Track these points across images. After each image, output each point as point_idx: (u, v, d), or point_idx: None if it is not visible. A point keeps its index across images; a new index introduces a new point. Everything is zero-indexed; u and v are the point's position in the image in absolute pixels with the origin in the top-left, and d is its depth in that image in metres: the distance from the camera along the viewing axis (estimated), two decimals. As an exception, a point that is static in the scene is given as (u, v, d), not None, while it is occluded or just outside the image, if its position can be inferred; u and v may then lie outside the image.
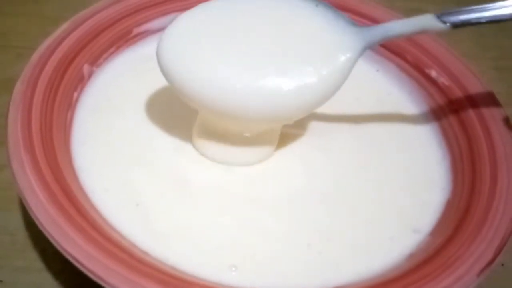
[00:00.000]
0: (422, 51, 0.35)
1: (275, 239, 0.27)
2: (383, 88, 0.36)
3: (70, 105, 0.30)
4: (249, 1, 0.28)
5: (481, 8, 0.27)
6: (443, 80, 0.34)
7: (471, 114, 0.32)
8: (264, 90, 0.26)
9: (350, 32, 0.27)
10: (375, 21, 0.35)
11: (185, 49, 0.26)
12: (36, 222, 0.24)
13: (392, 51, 0.36)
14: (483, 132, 0.31)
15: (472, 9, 0.27)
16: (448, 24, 0.27)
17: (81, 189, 0.27)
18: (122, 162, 0.29)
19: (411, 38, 0.35)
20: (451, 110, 0.33)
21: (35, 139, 0.27)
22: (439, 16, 0.27)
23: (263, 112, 0.26)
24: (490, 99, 0.32)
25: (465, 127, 0.31)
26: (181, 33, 0.27)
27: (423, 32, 0.28)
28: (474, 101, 0.32)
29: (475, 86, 0.33)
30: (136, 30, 0.35)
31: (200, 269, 0.25)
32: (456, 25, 0.27)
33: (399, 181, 0.30)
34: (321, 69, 0.26)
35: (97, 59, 0.33)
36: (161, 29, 0.36)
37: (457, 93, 0.33)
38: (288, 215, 0.28)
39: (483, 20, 0.27)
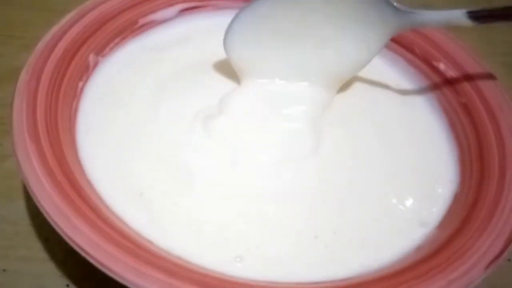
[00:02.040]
0: (431, 44, 0.35)
1: (281, 231, 0.27)
2: (391, 82, 0.35)
3: (75, 95, 0.30)
4: None
5: (507, 8, 0.29)
6: (451, 73, 0.34)
7: (479, 106, 0.31)
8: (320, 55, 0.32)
9: (392, 11, 0.30)
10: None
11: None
12: (41, 210, 0.24)
13: (400, 44, 0.36)
14: (492, 125, 0.30)
15: (500, 8, 0.29)
16: (476, 22, 0.29)
17: (85, 178, 0.27)
18: (127, 152, 0.29)
19: (419, 31, 0.35)
20: (459, 103, 0.33)
21: (40, 129, 0.27)
22: (469, 13, 0.29)
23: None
24: (498, 92, 0.32)
25: (473, 119, 0.31)
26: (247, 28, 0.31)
27: (453, 25, 0.30)
28: (482, 94, 0.32)
29: (484, 79, 0.33)
30: (142, 21, 0.35)
31: (204, 259, 0.24)
32: (484, 22, 0.29)
33: (406, 174, 0.30)
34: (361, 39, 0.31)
35: (103, 49, 0.33)
36: (167, 19, 0.36)
37: (466, 86, 0.33)
38: (295, 207, 0.28)
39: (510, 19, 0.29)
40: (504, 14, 0.29)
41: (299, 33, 0.31)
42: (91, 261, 0.22)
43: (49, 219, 0.23)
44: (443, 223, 0.28)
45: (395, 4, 0.30)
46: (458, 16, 0.29)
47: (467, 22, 0.29)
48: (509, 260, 0.30)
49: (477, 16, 0.29)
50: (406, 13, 0.30)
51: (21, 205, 0.30)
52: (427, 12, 0.30)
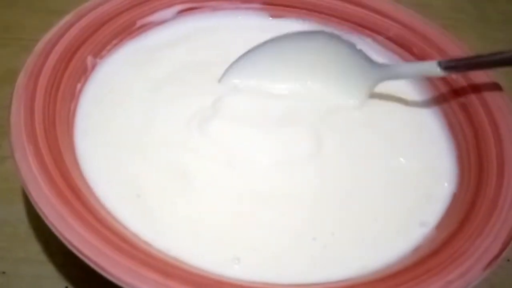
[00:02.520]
0: (429, 44, 0.35)
1: (279, 232, 0.27)
2: (389, 81, 0.35)
3: (73, 97, 0.30)
4: (296, 41, 0.33)
5: (478, 56, 0.31)
6: (449, 73, 0.34)
7: (477, 106, 0.31)
8: None
9: (370, 67, 0.33)
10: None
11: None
12: (39, 212, 0.24)
13: (398, 43, 0.36)
14: (490, 124, 0.30)
15: (470, 57, 0.31)
16: (447, 72, 0.31)
17: (83, 180, 0.27)
18: (125, 154, 0.29)
19: (417, 31, 0.36)
20: (457, 103, 0.32)
21: (38, 130, 0.27)
22: (441, 64, 0.31)
23: None
24: (497, 92, 0.32)
25: (471, 119, 0.31)
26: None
27: (425, 75, 0.33)
28: (481, 94, 0.32)
29: (482, 79, 0.33)
30: (139, 22, 0.35)
31: (202, 261, 0.24)
32: (457, 71, 0.32)
33: (404, 174, 0.30)
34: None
35: (101, 51, 0.33)
36: (165, 21, 0.36)
37: (464, 85, 0.33)
38: (293, 208, 0.28)
39: (481, 67, 0.31)
40: (475, 63, 0.31)
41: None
42: (89, 263, 0.22)
43: (46, 221, 0.23)
44: (441, 224, 0.28)
45: (372, 60, 0.33)
46: (431, 67, 0.31)
47: (439, 72, 0.31)
48: (508, 260, 0.30)
49: (448, 66, 0.31)
50: (383, 67, 0.33)
51: (20, 207, 0.30)
52: (402, 65, 0.34)
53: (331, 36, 0.33)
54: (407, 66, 0.33)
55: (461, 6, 0.48)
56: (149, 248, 0.24)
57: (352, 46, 0.33)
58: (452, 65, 0.31)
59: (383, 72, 0.33)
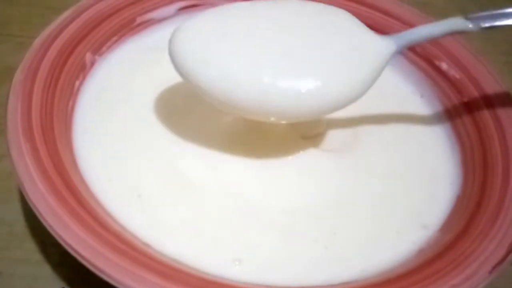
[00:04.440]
0: (433, 43, 0.34)
1: (280, 233, 0.26)
2: (391, 82, 0.35)
3: (71, 94, 0.30)
4: (273, 5, 0.28)
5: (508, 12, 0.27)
6: (453, 72, 0.33)
7: (482, 107, 0.31)
8: (282, 89, 0.25)
9: (378, 38, 0.26)
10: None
11: (198, 43, 0.26)
12: (35, 212, 0.23)
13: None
14: (495, 125, 0.30)
15: (501, 12, 0.27)
16: (477, 26, 0.27)
17: (81, 179, 0.26)
18: (124, 153, 0.28)
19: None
20: (461, 103, 0.32)
21: (35, 128, 0.26)
22: (468, 18, 0.27)
23: (277, 112, 0.25)
24: (501, 92, 0.32)
25: (476, 120, 0.31)
26: (197, 29, 0.26)
27: (454, 33, 0.27)
28: (485, 94, 0.32)
29: (487, 79, 0.32)
30: (139, 19, 0.35)
31: (202, 262, 0.24)
32: (485, 28, 0.27)
33: (407, 176, 0.30)
34: (348, 74, 0.25)
35: (100, 48, 0.33)
36: (165, 18, 0.36)
37: (468, 86, 0.32)
38: (295, 209, 0.27)
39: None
40: (505, 14, 0.27)
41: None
42: (86, 264, 0.22)
43: (43, 221, 0.23)
44: (445, 226, 0.27)
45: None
46: (460, 23, 0.27)
47: (470, 26, 0.27)
48: (512, 263, 0.29)
49: (478, 18, 0.27)
50: (398, 36, 0.27)
51: (16, 206, 0.30)
52: (423, 27, 0.28)
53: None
54: (429, 27, 0.28)
55: (463, 5, 0.48)
56: (148, 249, 0.24)
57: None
58: (482, 17, 0.27)
59: (400, 40, 0.27)
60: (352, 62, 0.25)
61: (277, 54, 0.25)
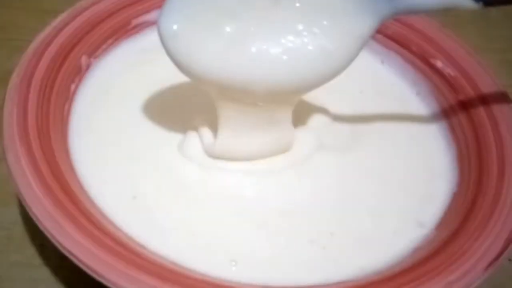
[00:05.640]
0: (428, 41, 0.35)
1: (276, 234, 0.26)
2: (387, 80, 0.35)
3: (67, 97, 0.30)
4: None
5: None
6: (449, 70, 0.33)
7: (477, 104, 0.31)
8: (269, 55, 0.24)
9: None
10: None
11: (186, 20, 0.25)
12: (32, 216, 0.23)
13: (397, 41, 0.35)
14: (490, 122, 0.30)
15: None
16: (480, 2, 0.25)
17: (78, 182, 0.26)
18: (120, 155, 0.28)
19: (416, 28, 0.35)
20: (456, 101, 0.32)
21: (31, 132, 0.26)
22: None
23: (266, 82, 0.24)
24: (497, 90, 0.32)
25: (471, 117, 0.31)
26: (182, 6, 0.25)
27: (452, 9, 0.25)
28: (480, 92, 0.32)
29: (482, 77, 0.32)
30: (134, 22, 0.35)
31: (199, 263, 0.24)
32: (489, 4, 0.25)
33: (402, 174, 0.30)
34: (336, 34, 0.24)
35: (95, 51, 0.33)
36: (160, 20, 0.35)
37: (463, 83, 0.32)
38: (291, 209, 0.27)
39: None
40: None
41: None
42: (83, 267, 0.22)
43: (39, 225, 0.23)
44: (441, 224, 0.27)
45: None
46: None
47: (474, 5, 0.25)
48: (510, 260, 0.29)
49: None
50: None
51: (14, 209, 0.30)
52: None
53: None
54: None
55: (460, 3, 0.48)
56: (145, 251, 0.24)
57: None
58: None
59: (396, 4, 0.25)
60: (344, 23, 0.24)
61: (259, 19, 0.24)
